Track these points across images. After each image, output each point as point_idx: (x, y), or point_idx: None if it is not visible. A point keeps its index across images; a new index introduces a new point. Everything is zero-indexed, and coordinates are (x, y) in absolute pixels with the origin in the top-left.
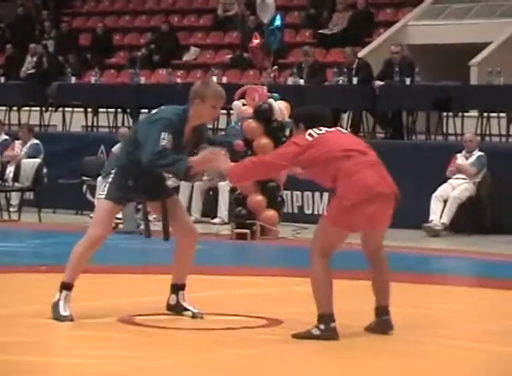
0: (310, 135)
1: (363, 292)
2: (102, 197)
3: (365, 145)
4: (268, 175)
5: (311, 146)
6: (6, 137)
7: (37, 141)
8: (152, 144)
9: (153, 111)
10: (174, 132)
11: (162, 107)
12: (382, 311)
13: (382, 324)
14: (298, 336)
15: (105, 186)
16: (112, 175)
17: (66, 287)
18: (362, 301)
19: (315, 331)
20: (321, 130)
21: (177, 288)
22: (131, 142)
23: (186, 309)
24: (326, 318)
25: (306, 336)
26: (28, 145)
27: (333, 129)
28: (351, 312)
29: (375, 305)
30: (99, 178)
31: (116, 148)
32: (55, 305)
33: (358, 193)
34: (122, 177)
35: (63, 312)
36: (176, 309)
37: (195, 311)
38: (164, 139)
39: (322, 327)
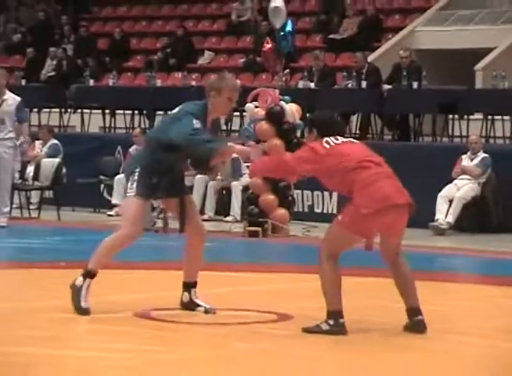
0: (327, 142)
1: (370, 289)
2: (132, 194)
3: (378, 157)
4: (283, 175)
5: (328, 155)
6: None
7: (56, 141)
8: (186, 125)
9: (174, 111)
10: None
11: (182, 105)
12: (413, 312)
13: (415, 325)
14: (308, 330)
15: (132, 184)
16: (137, 174)
17: (90, 274)
18: (368, 297)
19: (325, 326)
20: (337, 139)
21: (189, 286)
22: (153, 142)
23: (199, 306)
24: (335, 314)
25: (316, 330)
26: (48, 145)
27: (347, 140)
28: (359, 308)
29: (405, 307)
30: (117, 177)
31: (133, 149)
32: (78, 291)
33: (376, 203)
34: (146, 175)
35: (83, 303)
36: (189, 306)
37: (207, 307)
38: (196, 123)
39: (331, 322)
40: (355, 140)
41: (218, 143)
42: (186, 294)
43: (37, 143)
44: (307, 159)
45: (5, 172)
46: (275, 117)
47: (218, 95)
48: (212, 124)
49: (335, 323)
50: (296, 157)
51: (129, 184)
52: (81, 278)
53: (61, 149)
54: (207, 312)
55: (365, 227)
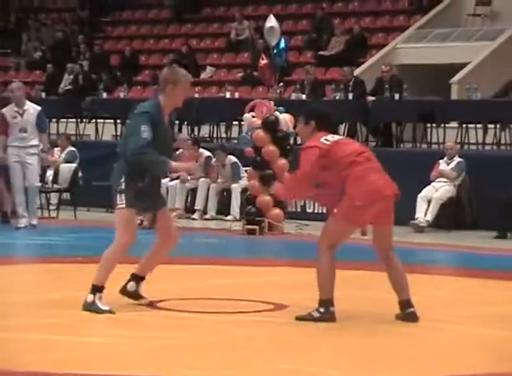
0: (326, 140)
1: (362, 281)
2: (123, 206)
3: (369, 152)
4: (308, 186)
5: (330, 150)
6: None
7: (73, 148)
8: (135, 138)
9: (135, 110)
10: (155, 123)
11: (138, 105)
12: (405, 304)
13: (407, 316)
14: (301, 318)
15: (121, 195)
16: (123, 184)
17: (99, 289)
18: (361, 289)
19: (315, 314)
20: (334, 137)
21: (139, 278)
22: (124, 149)
23: (142, 297)
24: (326, 303)
25: (307, 318)
26: (66, 151)
27: (340, 137)
28: (352, 298)
29: (398, 300)
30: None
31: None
32: (92, 305)
33: (368, 195)
34: (131, 182)
35: (102, 307)
36: (133, 295)
37: (149, 299)
38: (144, 131)
39: (322, 310)
40: (346, 138)
41: (161, 164)
42: (134, 284)
43: (56, 150)
44: (312, 160)
45: (31, 177)
46: (270, 125)
47: (174, 88)
48: (169, 118)
49: (325, 311)
50: (306, 164)
51: (118, 196)
52: (90, 295)
53: (77, 155)
54: (151, 303)
55: (359, 217)
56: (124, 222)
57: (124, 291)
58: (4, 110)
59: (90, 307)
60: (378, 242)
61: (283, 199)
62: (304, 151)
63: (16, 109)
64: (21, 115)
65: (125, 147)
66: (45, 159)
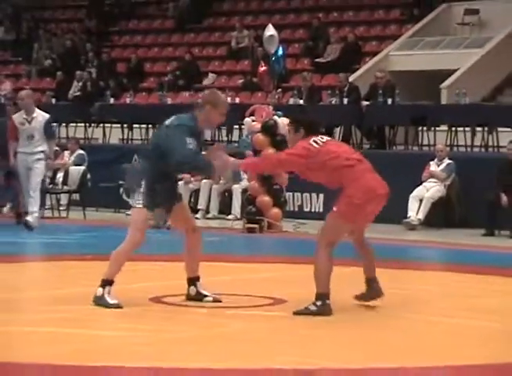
0: (315, 142)
1: (357, 277)
2: (140, 205)
3: (358, 154)
4: (272, 169)
5: (319, 152)
6: (57, 148)
7: (82, 151)
8: (182, 148)
9: (167, 122)
10: (194, 136)
11: (174, 117)
12: (373, 280)
13: (374, 291)
14: (298, 312)
15: (138, 195)
16: (142, 185)
17: (108, 283)
18: (355, 284)
19: (312, 307)
20: (323, 138)
21: (194, 280)
22: (153, 154)
23: (206, 296)
24: (322, 296)
25: (305, 312)
26: (75, 154)
27: (330, 139)
28: (346, 293)
29: (366, 278)
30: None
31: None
32: (101, 299)
33: (365, 193)
34: (151, 185)
35: (111, 301)
36: (197, 297)
37: (213, 296)
38: (190, 143)
39: (318, 303)
40: (335, 140)
41: (208, 166)
42: (192, 287)
43: (66, 153)
44: (301, 154)
45: (34, 179)
46: (269, 129)
47: (213, 109)
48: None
49: (322, 304)
50: (291, 153)
51: (136, 195)
52: (100, 289)
53: (86, 158)
54: (215, 300)
55: (357, 215)
56: (139, 221)
57: (189, 297)
58: (14, 117)
59: (99, 301)
60: (358, 234)
61: (243, 169)
62: (297, 146)
63: (24, 116)
64: (29, 122)
65: (160, 156)
66: (51, 165)
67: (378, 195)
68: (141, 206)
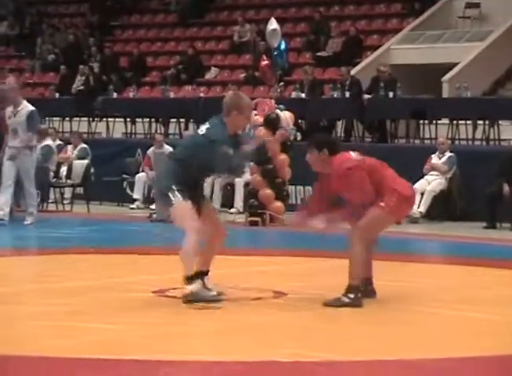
0: (355, 156)
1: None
2: (179, 199)
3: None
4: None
5: (364, 164)
6: (60, 142)
7: (85, 145)
8: (226, 158)
9: (201, 131)
10: (228, 143)
11: (209, 128)
12: (369, 282)
13: (369, 293)
14: (329, 304)
15: (174, 194)
16: (177, 187)
17: (202, 273)
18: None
19: (345, 299)
20: (354, 152)
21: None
22: (185, 162)
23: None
24: (356, 289)
25: (337, 304)
26: (78, 148)
27: (356, 152)
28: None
29: (366, 277)
30: (137, 175)
31: (150, 151)
32: (198, 295)
33: (410, 189)
34: (184, 186)
35: (212, 293)
36: None
37: (218, 291)
38: (229, 150)
39: (351, 296)
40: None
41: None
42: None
43: (69, 147)
44: (364, 177)
45: (23, 177)
46: (271, 123)
47: (239, 114)
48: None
49: (355, 297)
50: (364, 186)
51: (170, 195)
52: (192, 285)
53: (89, 151)
54: (220, 294)
55: (403, 211)
56: (187, 212)
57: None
58: (6, 110)
59: (198, 298)
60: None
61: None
62: (351, 174)
63: (11, 109)
64: (14, 116)
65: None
66: (59, 156)
67: (413, 195)
68: (181, 199)
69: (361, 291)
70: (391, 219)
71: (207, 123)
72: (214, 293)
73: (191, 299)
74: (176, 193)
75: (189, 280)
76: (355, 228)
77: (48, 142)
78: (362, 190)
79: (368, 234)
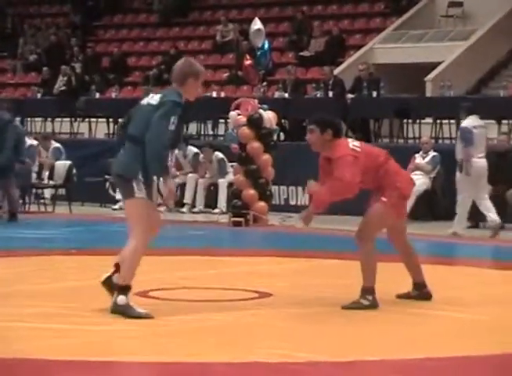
0: (354, 146)
1: (338, 270)
2: (143, 196)
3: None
4: (346, 194)
5: (362, 156)
6: (34, 143)
7: (57, 145)
8: (162, 130)
9: (155, 101)
10: (180, 114)
11: (162, 94)
12: (421, 285)
13: (423, 295)
14: (348, 307)
15: (139, 184)
16: (142, 176)
17: (128, 288)
18: (338, 277)
19: (365, 302)
20: (355, 141)
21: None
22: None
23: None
24: (371, 290)
25: (356, 306)
26: (51, 150)
27: (360, 142)
28: (329, 286)
29: (414, 282)
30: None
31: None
32: (127, 308)
33: (410, 184)
34: (149, 176)
35: (141, 311)
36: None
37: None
38: (173, 123)
39: (369, 297)
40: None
41: (163, 174)
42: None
43: (42, 151)
44: (353, 164)
45: None
46: (254, 123)
47: (196, 80)
48: None
49: (373, 298)
50: (347, 172)
51: (135, 185)
52: (121, 296)
53: (63, 150)
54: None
55: (403, 209)
56: (145, 216)
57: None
58: None
59: (125, 311)
60: (399, 237)
61: (322, 206)
62: (342, 160)
63: None
64: None
65: (148, 132)
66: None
67: (411, 192)
68: (143, 196)
69: (375, 291)
70: (392, 214)
71: (158, 94)
72: (145, 311)
73: (121, 311)
74: (141, 184)
75: (124, 290)
76: (359, 229)
77: (33, 142)
78: (343, 179)
79: (372, 232)
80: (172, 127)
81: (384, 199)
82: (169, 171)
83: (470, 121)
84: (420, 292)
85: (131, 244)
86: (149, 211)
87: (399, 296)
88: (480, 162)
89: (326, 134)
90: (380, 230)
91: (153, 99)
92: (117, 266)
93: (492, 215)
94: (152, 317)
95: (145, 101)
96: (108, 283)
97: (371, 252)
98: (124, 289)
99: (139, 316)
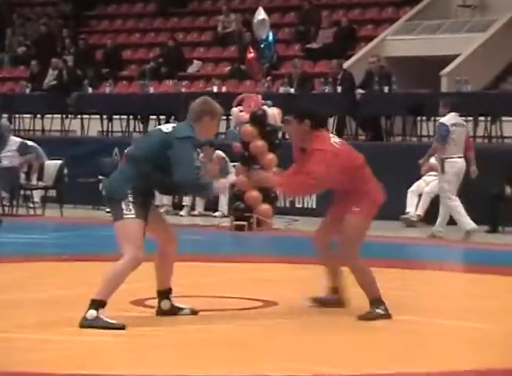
0: (335, 142)
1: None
2: (133, 216)
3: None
4: (315, 189)
5: (338, 154)
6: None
7: (20, 139)
8: (189, 167)
9: (165, 129)
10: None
11: (174, 126)
12: (339, 289)
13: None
14: (365, 318)
15: (128, 205)
16: (131, 196)
17: (102, 304)
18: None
19: (381, 311)
20: (335, 137)
21: (167, 293)
22: (145, 163)
23: (182, 309)
24: (380, 300)
25: (373, 317)
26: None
27: (341, 139)
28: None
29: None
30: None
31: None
32: (97, 320)
33: (381, 193)
34: (140, 195)
35: (112, 321)
36: (172, 312)
37: (189, 307)
38: (196, 159)
39: (383, 307)
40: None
41: (209, 185)
42: (166, 301)
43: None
44: (329, 163)
45: None
46: (258, 120)
47: (212, 119)
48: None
49: (385, 308)
50: (320, 168)
51: (123, 205)
52: (92, 311)
53: (29, 144)
54: (193, 313)
55: (372, 215)
56: (133, 233)
57: (160, 312)
58: None
59: (95, 324)
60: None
61: (275, 187)
62: (317, 153)
63: None
64: None
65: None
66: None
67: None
68: (134, 216)
69: (383, 301)
70: (368, 222)
71: (172, 124)
72: (117, 321)
73: (89, 325)
74: (130, 205)
75: (97, 305)
76: (341, 252)
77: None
78: (319, 175)
79: (355, 249)
80: (197, 163)
81: (356, 209)
82: (212, 173)
83: (448, 118)
84: (336, 297)
85: (120, 261)
86: (155, 228)
87: (315, 299)
88: (459, 162)
89: (304, 124)
90: (361, 240)
91: (165, 127)
92: (159, 293)
93: (442, 220)
94: (124, 328)
95: (156, 128)
96: (172, 311)
97: (362, 268)
98: (98, 304)
99: (112, 327)
